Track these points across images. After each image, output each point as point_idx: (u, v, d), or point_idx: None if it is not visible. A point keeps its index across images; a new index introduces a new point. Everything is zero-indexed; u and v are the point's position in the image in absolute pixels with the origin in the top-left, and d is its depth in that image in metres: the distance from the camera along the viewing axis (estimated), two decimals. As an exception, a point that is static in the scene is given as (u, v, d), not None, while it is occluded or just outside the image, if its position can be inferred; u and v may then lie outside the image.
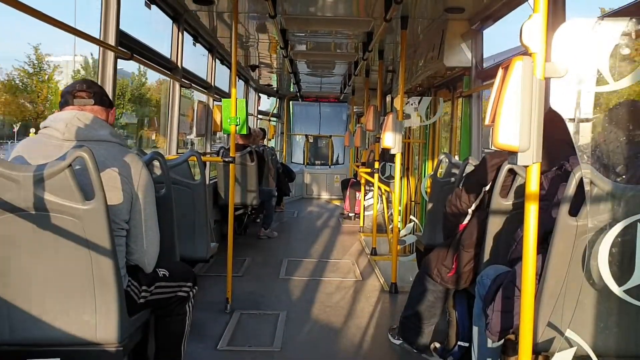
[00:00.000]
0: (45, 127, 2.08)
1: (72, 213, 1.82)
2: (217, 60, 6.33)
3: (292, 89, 11.24)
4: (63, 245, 1.85)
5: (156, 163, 2.74)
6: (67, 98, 2.14)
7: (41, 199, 1.79)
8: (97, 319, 1.93)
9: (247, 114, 4.28)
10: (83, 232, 1.84)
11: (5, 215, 1.81)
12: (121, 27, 3.29)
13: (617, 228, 1.64)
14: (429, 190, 4.76)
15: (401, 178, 6.59)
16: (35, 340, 1.93)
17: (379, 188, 6.60)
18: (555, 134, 1.74)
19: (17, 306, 1.89)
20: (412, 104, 5.42)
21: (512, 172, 2.56)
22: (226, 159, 4.10)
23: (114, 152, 2.09)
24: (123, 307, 1.98)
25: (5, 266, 1.87)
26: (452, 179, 3.88)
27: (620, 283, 1.66)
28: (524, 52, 1.49)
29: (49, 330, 1.91)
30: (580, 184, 1.70)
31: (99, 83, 3.06)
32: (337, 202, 10.94)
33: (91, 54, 33.42)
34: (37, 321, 1.90)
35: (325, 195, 12.00)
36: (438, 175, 4.25)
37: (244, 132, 4.27)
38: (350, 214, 8.85)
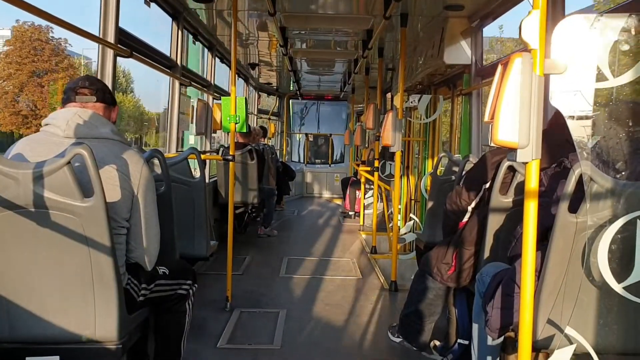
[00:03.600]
0: (46, 125, 2.07)
1: (71, 210, 1.81)
2: (216, 58, 6.33)
3: (292, 87, 11.24)
4: (62, 242, 1.85)
5: (155, 161, 2.73)
6: (70, 95, 2.13)
7: (40, 197, 1.79)
8: (97, 317, 1.93)
9: (247, 112, 4.28)
10: (82, 229, 1.84)
11: (4, 213, 1.81)
12: (120, 24, 3.29)
13: (617, 225, 1.63)
14: (428, 188, 4.76)
15: (401, 176, 6.59)
16: (34, 337, 1.93)
17: (379, 186, 6.60)
18: (564, 134, 1.73)
19: (17, 304, 1.89)
20: (412, 102, 5.43)
21: (511, 169, 2.55)
22: (226, 157, 4.10)
23: (114, 149, 2.08)
24: (122, 305, 1.97)
25: (5, 263, 1.87)
26: (452, 177, 3.88)
27: (620, 280, 1.65)
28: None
29: (48, 328, 1.91)
30: (580, 181, 1.69)
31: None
32: (338, 201, 10.94)
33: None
34: (37, 319, 1.90)
35: (325, 194, 12.00)
36: (438, 173, 4.24)
37: (244, 130, 4.27)
38: (350, 213, 8.86)
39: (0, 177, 1.77)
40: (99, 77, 3.20)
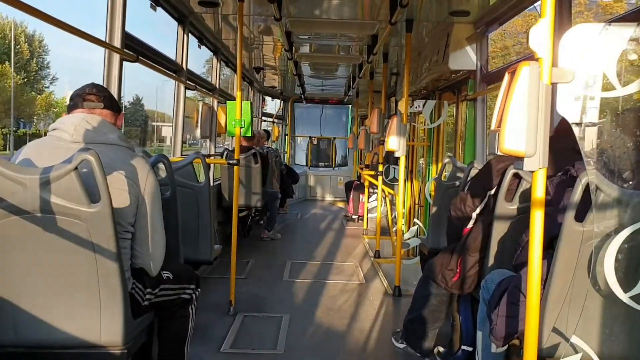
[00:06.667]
0: (54, 129, 2.08)
1: (77, 216, 1.82)
2: (222, 62, 6.34)
3: (296, 91, 11.26)
4: (68, 247, 1.86)
5: (161, 165, 2.74)
6: (77, 101, 2.15)
7: (47, 202, 1.79)
8: (102, 322, 1.93)
9: (252, 116, 4.29)
10: (88, 234, 1.84)
11: (12, 218, 1.81)
12: (126, 29, 3.30)
13: (624, 234, 1.63)
14: (433, 193, 4.75)
15: (405, 181, 6.58)
16: (39, 342, 1.93)
17: (383, 191, 6.60)
18: (570, 141, 1.73)
19: (22, 308, 1.89)
20: (416, 107, 5.42)
21: (517, 177, 2.55)
22: (230, 161, 4.10)
23: (121, 155, 2.09)
24: (127, 310, 1.98)
25: (11, 268, 1.88)
26: (457, 183, 3.88)
27: (626, 289, 1.65)
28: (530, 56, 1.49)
29: (53, 333, 1.91)
30: (587, 190, 1.69)
31: (104, 85, 3.07)
32: (341, 204, 10.94)
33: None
34: (42, 323, 1.91)
35: (328, 197, 12.01)
36: (442, 178, 4.24)
37: (249, 134, 4.27)
38: (353, 217, 8.85)
39: (7, 182, 1.77)
40: (105, 81, 3.22)
